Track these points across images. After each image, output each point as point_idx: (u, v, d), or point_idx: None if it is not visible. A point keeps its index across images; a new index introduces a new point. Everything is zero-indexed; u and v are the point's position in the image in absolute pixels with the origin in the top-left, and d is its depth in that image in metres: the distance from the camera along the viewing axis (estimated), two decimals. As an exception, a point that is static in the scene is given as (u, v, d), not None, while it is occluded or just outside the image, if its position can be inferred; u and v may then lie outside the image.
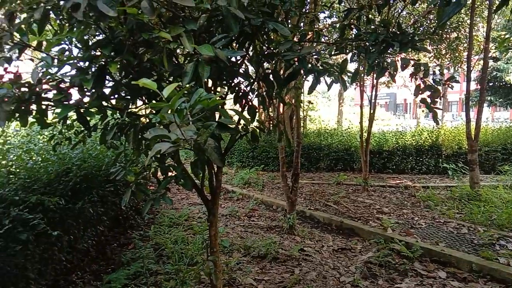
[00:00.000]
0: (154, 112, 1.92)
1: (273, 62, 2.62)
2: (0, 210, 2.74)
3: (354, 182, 8.79)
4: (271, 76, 2.51)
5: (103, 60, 1.82)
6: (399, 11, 8.32)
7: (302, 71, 2.21)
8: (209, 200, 3.06)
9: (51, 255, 3.51)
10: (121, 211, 5.53)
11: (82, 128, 3.01)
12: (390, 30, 2.70)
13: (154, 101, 2.13)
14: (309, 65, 2.20)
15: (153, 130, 1.47)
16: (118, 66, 1.73)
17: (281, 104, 3.53)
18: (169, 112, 1.23)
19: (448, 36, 10.45)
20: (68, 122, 3.21)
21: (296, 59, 2.28)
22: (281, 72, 2.79)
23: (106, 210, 4.67)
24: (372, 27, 3.26)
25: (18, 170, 3.31)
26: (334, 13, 9.83)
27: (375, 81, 7.74)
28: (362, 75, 7.91)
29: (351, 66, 10.94)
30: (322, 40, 4.09)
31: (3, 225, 2.62)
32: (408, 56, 10.54)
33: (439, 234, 5.29)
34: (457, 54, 11.28)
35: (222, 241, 4.88)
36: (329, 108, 22.54)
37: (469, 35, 6.98)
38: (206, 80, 2.38)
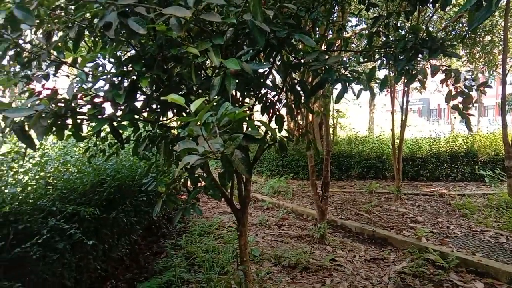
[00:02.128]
0: (183, 125, 1.97)
1: (300, 72, 2.63)
2: (39, 220, 2.86)
3: (386, 191, 8.62)
4: (298, 86, 2.53)
5: (134, 75, 1.89)
6: (430, 15, 8.17)
7: (329, 80, 2.22)
8: (238, 209, 3.09)
9: (87, 264, 3.62)
10: (154, 220, 5.64)
11: (116, 141, 3.12)
12: (420, 36, 2.67)
13: (184, 114, 2.19)
14: (336, 74, 2.20)
15: (182, 143, 1.51)
16: (149, 80, 1.78)
17: (310, 113, 3.54)
18: (197, 125, 1.26)
19: (481, 39, 10.15)
20: (102, 134, 3.34)
21: (323, 69, 2.28)
22: (309, 81, 2.80)
23: (139, 220, 4.78)
24: (402, 33, 3.23)
25: (55, 182, 3.44)
26: (362, 20, 9.75)
27: (406, 87, 7.61)
28: (393, 81, 7.78)
29: (381, 73, 10.79)
30: (350, 48, 4.07)
31: (41, 234, 2.72)
32: (440, 61, 10.32)
33: (476, 243, 5.10)
34: (491, 58, 10.93)
35: (252, 250, 4.89)
36: (360, 115, 22.19)
37: (504, 37, 6.76)
38: (233, 92, 2.42)
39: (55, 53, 2.46)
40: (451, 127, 18.86)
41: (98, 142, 3.22)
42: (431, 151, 10.18)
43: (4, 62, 2.53)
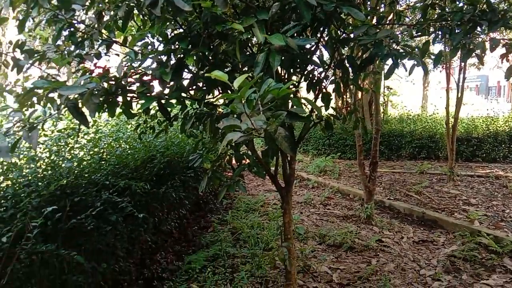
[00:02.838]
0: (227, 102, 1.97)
1: (349, 47, 2.54)
2: (93, 193, 3.01)
3: (438, 171, 8.30)
4: (346, 61, 2.45)
5: (181, 53, 1.90)
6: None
7: (379, 56, 2.12)
8: (282, 187, 3.09)
9: (138, 235, 3.79)
10: (201, 196, 5.79)
11: (164, 118, 3.19)
12: (479, 7, 2.48)
13: (229, 91, 2.19)
14: (387, 49, 2.10)
15: (225, 120, 1.51)
16: (194, 58, 1.79)
17: (358, 90, 3.43)
18: (240, 102, 1.26)
19: (551, 9, 9.31)
20: (152, 112, 3.43)
21: (372, 44, 2.19)
22: (359, 56, 2.70)
23: (188, 195, 4.92)
24: (459, 5, 3.02)
25: (108, 157, 3.59)
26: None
27: (462, 63, 7.18)
28: (448, 57, 7.36)
29: (436, 48, 10.25)
30: (404, 22, 3.88)
31: (95, 207, 2.87)
32: (501, 34, 9.62)
33: (536, 229, 4.83)
34: (562, 30, 10.03)
35: (297, 228, 4.90)
36: (413, 92, 21.31)
37: None
38: (278, 69, 2.39)
39: (106, 33, 2.53)
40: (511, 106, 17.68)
41: (148, 120, 3.32)
42: (488, 131, 9.64)
43: (59, 42, 2.64)
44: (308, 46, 2.23)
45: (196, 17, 1.90)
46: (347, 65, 2.48)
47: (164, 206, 4.30)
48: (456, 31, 2.60)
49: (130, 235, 3.61)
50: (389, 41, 2.20)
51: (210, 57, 2.00)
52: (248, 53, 2.12)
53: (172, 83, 2.07)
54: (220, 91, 2.54)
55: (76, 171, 3.14)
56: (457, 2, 2.94)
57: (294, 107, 1.71)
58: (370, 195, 5.47)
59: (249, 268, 3.82)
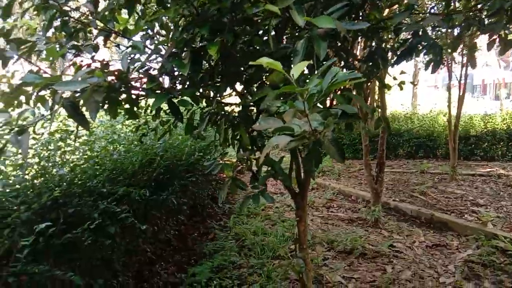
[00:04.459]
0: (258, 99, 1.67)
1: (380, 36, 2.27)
2: (89, 203, 2.69)
3: (439, 171, 8.10)
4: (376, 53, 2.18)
5: (200, 41, 1.61)
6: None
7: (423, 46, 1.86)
8: (297, 193, 2.82)
9: (136, 247, 3.48)
10: (199, 200, 5.49)
11: (167, 118, 2.89)
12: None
13: (255, 88, 1.90)
14: (432, 39, 1.84)
15: (263, 121, 1.23)
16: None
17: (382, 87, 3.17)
18: (300, 97, 0.98)
19: None
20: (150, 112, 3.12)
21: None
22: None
23: (186, 200, 4.62)
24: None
25: (103, 161, 3.28)
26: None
27: (499, 56, 7.00)
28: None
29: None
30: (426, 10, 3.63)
31: (92, 219, 2.56)
32: None
33: (551, 231, 4.64)
34: None
35: (304, 234, 4.64)
36: (401, 91, 21.16)
37: None
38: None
39: (102, 23, 2.23)
40: (501, 104, 17.68)
41: (149, 120, 3.02)
42: (485, 129, 9.50)
43: (49, 34, 2.32)
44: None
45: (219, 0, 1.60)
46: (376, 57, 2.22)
47: (163, 213, 4.00)
48: (490, 20, 2.37)
49: (128, 247, 3.30)
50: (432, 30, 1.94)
51: (231, 47, 1.70)
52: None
53: (186, 78, 1.78)
54: (237, 91, 2.25)
55: (68, 178, 2.82)
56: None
57: (340, 104, 1.44)
58: (377, 197, 5.23)
59: (258, 280, 3.54)
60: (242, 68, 1.78)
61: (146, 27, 2.32)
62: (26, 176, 2.52)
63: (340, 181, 7.78)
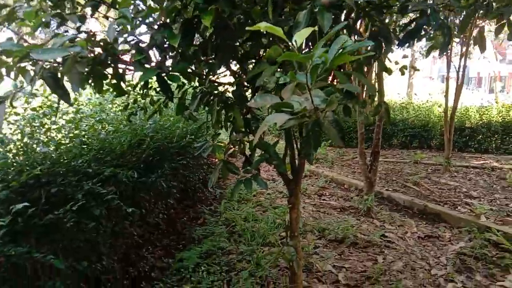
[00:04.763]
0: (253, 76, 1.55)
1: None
2: (73, 183, 2.57)
3: (432, 162, 8.05)
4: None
5: (194, 11, 1.47)
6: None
7: (431, 26, 1.74)
8: (290, 180, 2.72)
9: (122, 229, 3.37)
10: (190, 184, 5.38)
11: (158, 97, 2.76)
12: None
13: (251, 64, 1.78)
14: (441, 19, 1.72)
15: (259, 98, 1.12)
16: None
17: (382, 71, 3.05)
18: (303, 69, 0.86)
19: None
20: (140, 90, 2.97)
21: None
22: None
23: (176, 183, 4.50)
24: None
25: (90, 141, 3.15)
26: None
27: (463, 49, 6.90)
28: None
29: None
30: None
31: (76, 199, 2.44)
32: None
33: (544, 225, 4.61)
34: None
35: (296, 221, 4.56)
36: (396, 80, 21.08)
37: None
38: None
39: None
40: (496, 96, 17.65)
41: (138, 99, 2.88)
42: (481, 121, 9.45)
43: (34, 2, 2.17)
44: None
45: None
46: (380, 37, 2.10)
47: (151, 196, 3.88)
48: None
49: (114, 229, 3.19)
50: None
51: (226, 18, 1.57)
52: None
53: (176, 52, 1.65)
54: (231, 70, 2.12)
55: (53, 156, 2.69)
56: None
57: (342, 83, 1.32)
58: (371, 186, 5.16)
59: (246, 266, 3.46)
60: (238, 44, 1.65)
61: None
62: (7, 154, 2.39)
63: (333, 169, 7.70)
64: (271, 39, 1.54)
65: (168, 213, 4.59)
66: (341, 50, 0.86)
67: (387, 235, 4.46)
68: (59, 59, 1.54)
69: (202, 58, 1.75)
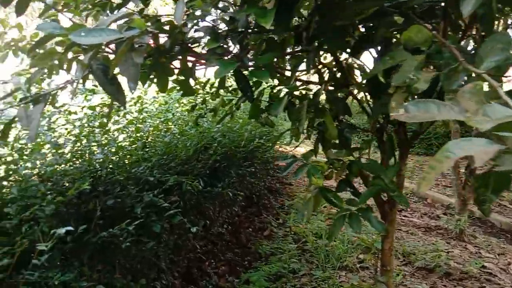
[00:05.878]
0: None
1: None
2: (133, 193, 2.24)
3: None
4: None
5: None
6: None
7: None
8: (385, 201, 2.20)
9: (185, 242, 3.04)
10: (255, 190, 4.99)
11: (229, 97, 2.36)
12: None
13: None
14: None
15: (415, 105, 0.69)
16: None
17: None
18: None
19: None
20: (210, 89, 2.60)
21: None
22: None
23: (242, 190, 4.12)
24: None
25: (153, 144, 2.83)
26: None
27: None
28: None
29: None
30: None
31: (134, 214, 2.10)
32: None
33: None
34: None
35: (375, 242, 3.99)
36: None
37: None
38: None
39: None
40: None
41: (207, 99, 2.50)
42: None
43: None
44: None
45: None
46: None
47: (216, 205, 3.53)
48: None
49: (176, 242, 2.87)
50: None
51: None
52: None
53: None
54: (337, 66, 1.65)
55: (113, 160, 2.38)
56: None
57: None
58: (464, 205, 4.43)
59: (322, 296, 2.99)
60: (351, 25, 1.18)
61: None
62: (60, 159, 2.10)
63: (412, 179, 6.95)
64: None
65: (233, 221, 4.23)
66: None
67: (486, 265, 3.75)
68: (113, 46, 1.17)
69: (298, 45, 1.30)
